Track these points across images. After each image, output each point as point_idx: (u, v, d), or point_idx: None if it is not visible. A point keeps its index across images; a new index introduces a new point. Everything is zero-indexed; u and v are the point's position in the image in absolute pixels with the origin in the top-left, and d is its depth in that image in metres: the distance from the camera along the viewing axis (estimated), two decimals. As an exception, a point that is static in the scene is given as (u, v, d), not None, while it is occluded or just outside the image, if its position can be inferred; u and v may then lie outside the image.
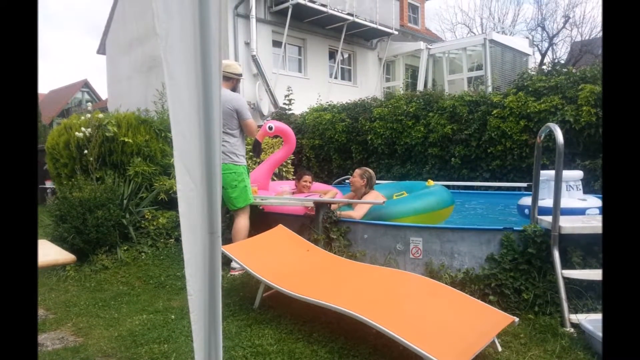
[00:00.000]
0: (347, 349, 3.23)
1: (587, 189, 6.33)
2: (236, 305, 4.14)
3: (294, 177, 7.28)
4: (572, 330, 3.43)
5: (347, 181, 8.02)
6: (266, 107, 15.37)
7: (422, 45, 19.58)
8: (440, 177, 8.68)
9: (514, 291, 3.87)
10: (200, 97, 1.49)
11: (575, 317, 3.46)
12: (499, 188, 7.90)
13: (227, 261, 4.89)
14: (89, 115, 7.13)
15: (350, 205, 5.57)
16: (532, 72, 8.40)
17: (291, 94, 12.77)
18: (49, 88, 43.71)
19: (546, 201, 4.54)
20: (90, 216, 5.55)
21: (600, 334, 2.98)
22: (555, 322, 3.55)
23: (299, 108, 12.51)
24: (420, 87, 18.62)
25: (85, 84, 39.88)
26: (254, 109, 14.97)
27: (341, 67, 19.22)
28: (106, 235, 5.62)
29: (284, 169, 8.65)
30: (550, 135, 3.95)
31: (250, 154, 6.62)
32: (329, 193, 6.13)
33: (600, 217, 4.22)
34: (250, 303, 4.15)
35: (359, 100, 10.95)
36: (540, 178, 4.45)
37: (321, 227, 5.05)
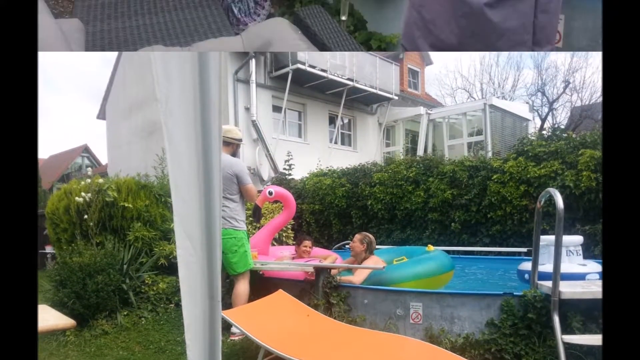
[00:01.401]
0: (347, 418, 3.18)
1: (587, 254, 6.31)
2: (235, 372, 4.09)
3: (294, 242, 7.28)
4: (574, 397, 3.39)
5: (347, 246, 8.00)
6: (266, 172, 15.41)
7: (422, 110, 19.79)
8: (440, 242, 8.62)
9: (514, 356, 3.82)
10: (200, 161, 1.50)
11: (578, 384, 3.42)
12: (499, 253, 7.85)
13: (227, 326, 4.85)
14: (89, 180, 7.21)
15: (350, 271, 5.55)
16: (532, 137, 8.45)
17: (291, 159, 12.82)
18: (49, 153, 44.00)
19: (546, 266, 4.53)
20: (90, 281, 5.54)
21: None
22: (557, 388, 3.50)
23: (299, 173, 12.55)
24: (420, 152, 18.71)
25: (85, 149, 40.23)
26: (254, 174, 15.00)
27: (341, 132, 19.38)
28: (106, 300, 5.59)
29: (284, 234, 8.63)
30: (550, 200, 3.99)
31: (250, 218, 6.65)
32: (329, 258, 6.13)
33: (600, 282, 4.22)
34: (249, 370, 4.10)
35: (358, 165, 11.02)
36: (540, 243, 4.46)
37: (321, 292, 5.02)
